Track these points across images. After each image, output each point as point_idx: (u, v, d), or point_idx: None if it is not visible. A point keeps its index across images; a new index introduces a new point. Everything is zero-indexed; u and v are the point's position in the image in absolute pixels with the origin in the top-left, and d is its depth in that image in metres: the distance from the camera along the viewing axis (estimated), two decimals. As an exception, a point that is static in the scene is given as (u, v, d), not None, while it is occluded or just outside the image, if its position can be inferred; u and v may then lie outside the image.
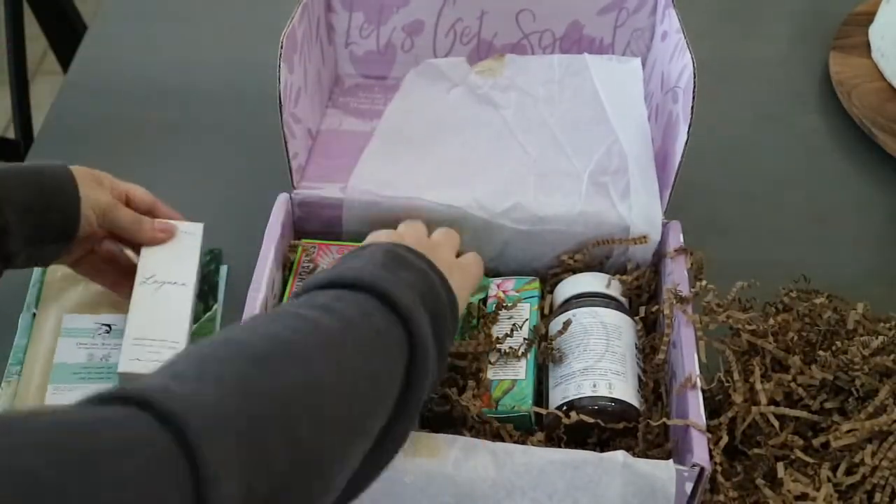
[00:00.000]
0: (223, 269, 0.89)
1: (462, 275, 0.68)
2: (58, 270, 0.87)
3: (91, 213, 0.75)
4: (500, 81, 0.90)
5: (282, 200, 0.79)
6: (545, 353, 0.72)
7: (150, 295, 0.78)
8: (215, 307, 0.85)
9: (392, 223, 0.80)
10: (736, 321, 0.72)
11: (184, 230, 0.82)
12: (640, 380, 0.71)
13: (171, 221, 0.81)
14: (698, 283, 0.74)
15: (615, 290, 0.77)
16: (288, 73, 0.77)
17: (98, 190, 0.76)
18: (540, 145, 0.85)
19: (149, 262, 0.80)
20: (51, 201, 0.73)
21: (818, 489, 0.68)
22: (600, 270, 0.80)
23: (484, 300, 0.78)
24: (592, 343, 0.71)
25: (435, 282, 0.61)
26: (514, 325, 0.74)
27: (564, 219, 0.79)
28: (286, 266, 0.80)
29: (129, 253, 0.82)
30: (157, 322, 0.77)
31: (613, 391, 0.69)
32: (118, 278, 0.81)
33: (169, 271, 0.79)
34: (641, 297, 0.79)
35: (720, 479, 0.68)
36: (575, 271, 0.79)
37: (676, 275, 0.75)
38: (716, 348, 0.71)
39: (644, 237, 0.77)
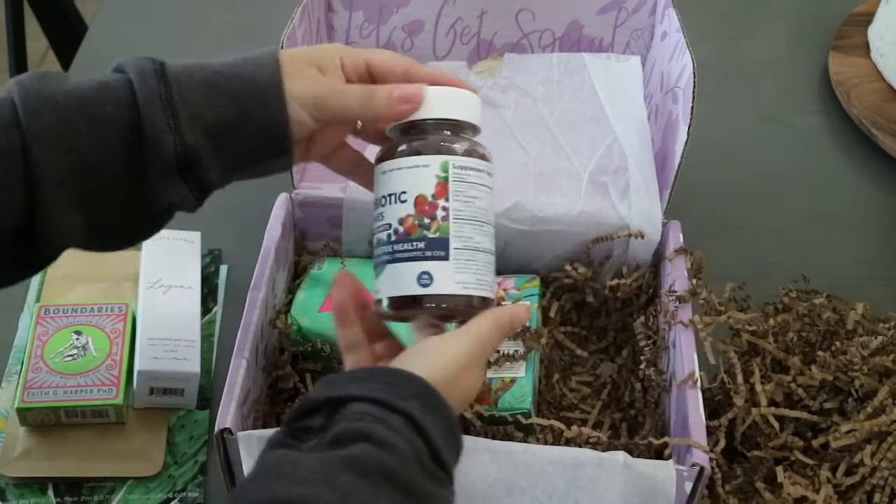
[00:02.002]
0: (223, 270, 0.89)
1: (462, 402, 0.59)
2: (58, 270, 0.87)
3: (301, 112, 0.59)
4: (500, 81, 0.90)
5: (282, 200, 0.79)
6: None
7: (158, 298, 0.81)
8: (215, 309, 0.86)
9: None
10: (736, 321, 0.73)
11: (182, 238, 0.86)
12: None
13: (420, 86, 0.60)
14: (697, 283, 0.74)
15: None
16: (288, 73, 0.77)
17: (310, 79, 0.60)
18: (539, 145, 0.85)
19: (152, 267, 0.83)
20: (244, 112, 0.58)
21: (817, 491, 0.68)
22: (600, 270, 0.80)
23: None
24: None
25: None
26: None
27: (564, 219, 0.79)
28: (297, 269, 0.81)
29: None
30: (168, 322, 0.79)
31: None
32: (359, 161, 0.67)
33: (173, 276, 0.83)
34: (641, 298, 0.79)
35: (719, 489, 0.68)
36: (576, 280, 0.79)
37: (676, 275, 0.75)
38: (716, 349, 0.71)
39: (641, 232, 0.77)
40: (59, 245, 0.58)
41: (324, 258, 0.81)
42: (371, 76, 0.62)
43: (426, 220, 0.59)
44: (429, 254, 0.58)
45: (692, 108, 0.74)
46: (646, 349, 0.75)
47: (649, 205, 0.79)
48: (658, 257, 0.79)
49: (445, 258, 0.59)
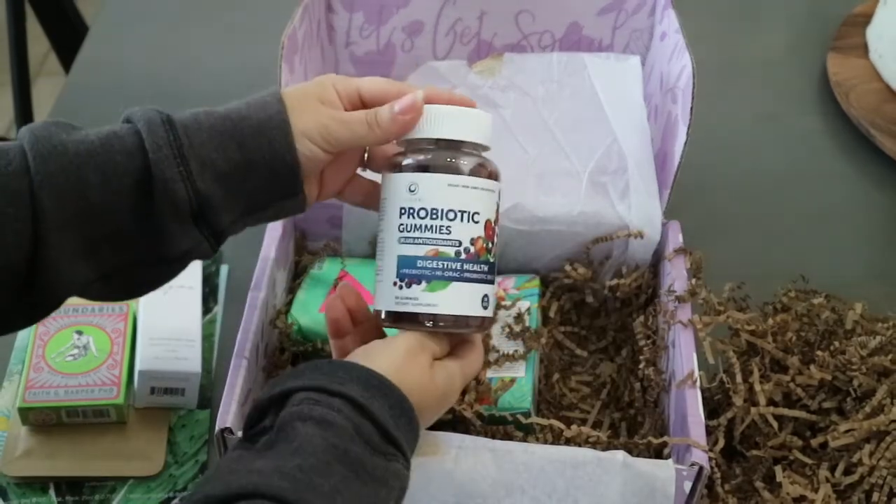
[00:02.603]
0: (223, 269, 0.89)
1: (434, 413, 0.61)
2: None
3: (310, 146, 0.60)
4: (499, 81, 0.90)
5: (282, 201, 0.80)
6: None
7: (159, 298, 0.80)
8: (215, 309, 0.86)
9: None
10: (735, 321, 0.73)
11: None
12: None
13: (415, 94, 0.61)
14: (696, 283, 0.74)
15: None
16: (289, 73, 0.78)
17: (314, 112, 0.61)
18: (539, 145, 0.86)
19: None
20: (254, 155, 0.59)
21: (816, 490, 0.68)
22: (600, 270, 0.81)
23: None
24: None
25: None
26: (518, 313, 0.75)
27: (564, 219, 0.79)
28: (297, 268, 0.81)
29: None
30: (170, 322, 0.79)
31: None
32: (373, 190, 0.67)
33: None
34: (640, 298, 0.80)
35: (718, 488, 0.68)
36: (576, 281, 0.79)
37: (675, 275, 0.75)
38: (715, 349, 0.72)
39: (640, 232, 0.77)
40: (62, 292, 0.58)
41: (324, 258, 0.81)
42: (363, 103, 0.63)
43: (490, 245, 0.60)
44: (489, 278, 0.61)
45: (691, 108, 0.74)
46: (645, 349, 0.75)
47: (649, 205, 0.79)
48: (657, 257, 0.79)
49: (493, 283, 0.61)
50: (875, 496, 0.67)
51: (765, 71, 1.11)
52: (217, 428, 0.63)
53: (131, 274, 0.60)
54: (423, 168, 0.60)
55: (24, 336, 0.83)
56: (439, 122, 0.60)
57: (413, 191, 0.59)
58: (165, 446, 0.77)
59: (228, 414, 0.64)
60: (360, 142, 0.62)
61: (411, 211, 0.59)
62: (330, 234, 0.82)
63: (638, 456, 0.65)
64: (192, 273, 0.84)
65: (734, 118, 1.04)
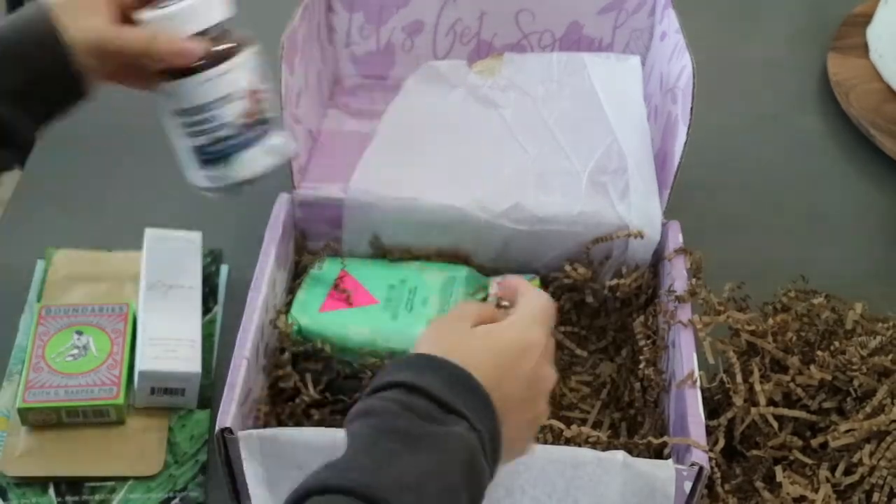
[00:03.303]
0: (224, 269, 0.89)
1: (516, 453, 0.57)
2: (59, 270, 0.87)
3: (88, 61, 0.63)
4: (499, 81, 0.90)
5: (283, 200, 0.80)
6: None
7: (159, 298, 0.81)
8: (215, 309, 0.86)
9: (392, 223, 0.80)
10: (735, 321, 0.73)
11: (183, 238, 0.86)
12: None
13: (198, 45, 0.67)
14: (696, 283, 0.74)
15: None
16: (288, 74, 0.78)
17: (85, 22, 0.64)
18: (539, 145, 0.86)
19: (153, 267, 0.83)
20: (38, 72, 0.63)
21: (816, 490, 0.68)
22: (600, 270, 0.81)
23: (484, 300, 0.78)
24: None
25: (486, 485, 0.52)
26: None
27: (564, 219, 0.79)
28: (297, 268, 0.81)
29: None
30: (170, 322, 0.79)
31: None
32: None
33: (174, 276, 0.83)
34: (640, 298, 0.80)
35: (718, 489, 0.68)
36: (575, 281, 0.79)
37: (675, 275, 0.75)
38: (715, 349, 0.72)
39: (640, 232, 0.77)
40: None
41: (324, 258, 0.81)
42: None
43: (260, 107, 0.69)
44: (270, 128, 0.70)
45: (691, 108, 0.74)
46: (645, 349, 0.75)
47: (649, 205, 0.79)
48: (657, 257, 0.79)
49: (277, 127, 0.71)
50: (875, 496, 0.67)
51: (765, 71, 1.11)
52: (217, 428, 0.63)
53: None
54: (173, 75, 0.67)
55: (23, 336, 0.83)
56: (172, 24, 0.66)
57: (172, 95, 0.68)
58: (165, 446, 0.77)
59: (228, 414, 0.64)
60: (132, 60, 0.65)
61: (181, 111, 0.68)
62: (330, 234, 0.82)
63: (638, 456, 0.65)
64: (192, 273, 0.84)
65: (734, 118, 1.04)
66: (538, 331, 0.57)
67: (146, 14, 0.66)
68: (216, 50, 0.68)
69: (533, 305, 0.59)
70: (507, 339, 0.57)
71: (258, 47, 0.70)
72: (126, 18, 0.66)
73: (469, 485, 0.50)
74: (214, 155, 0.69)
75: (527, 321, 0.58)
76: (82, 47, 0.62)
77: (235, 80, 0.68)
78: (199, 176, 0.70)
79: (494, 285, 0.79)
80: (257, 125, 0.69)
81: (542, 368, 0.57)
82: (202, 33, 0.67)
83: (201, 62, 0.67)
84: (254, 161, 0.69)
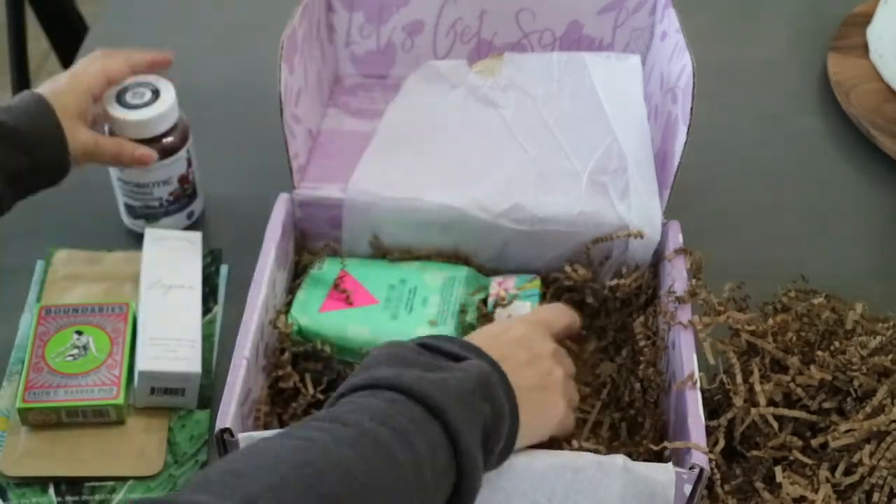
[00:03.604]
0: (223, 269, 0.89)
1: (538, 411, 0.64)
2: (59, 270, 0.87)
3: (73, 160, 0.81)
4: (499, 81, 0.90)
5: (282, 200, 0.80)
6: None
7: (159, 298, 0.81)
8: (215, 309, 0.86)
9: (392, 223, 0.80)
10: (735, 321, 0.73)
11: (183, 238, 0.87)
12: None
13: (146, 150, 0.84)
14: (696, 283, 0.74)
15: None
16: (288, 73, 0.78)
17: (81, 136, 0.80)
18: (539, 145, 0.86)
19: (153, 268, 0.83)
20: (39, 161, 0.78)
21: (816, 491, 0.68)
22: (600, 270, 0.80)
23: (484, 300, 0.78)
24: None
25: (505, 419, 0.59)
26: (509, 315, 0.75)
27: (564, 219, 0.79)
28: (297, 268, 0.81)
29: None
30: (169, 322, 0.80)
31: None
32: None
33: (174, 276, 0.83)
34: (640, 298, 0.80)
35: (718, 489, 0.68)
36: (575, 282, 0.79)
37: (675, 275, 0.75)
38: (715, 349, 0.72)
39: (640, 232, 0.77)
40: None
41: (324, 258, 0.81)
42: (110, 84, 0.84)
43: (187, 188, 0.90)
44: (192, 199, 0.92)
45: (691, 108, 0.74)
46: (645, 349, 0.75)
47: (649, 205, 0.79)
48: (657, 257, 0.79)
49: (195, 197, 0.92)
50: (875, 496, 0.67)
51: (765, 71, 1.11)
52: (217, 428, 0.63)
53: None
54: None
55: (23, 336, 0.83)
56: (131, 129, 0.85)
57: (122, 170, 0.87)
58: (165, 446, 0.77)
59: (228, 414, 0.64)
60: (105, 163, 0.85)
61: (127, 181, 0.87)
62: (330, 234, 0.82)
63: (638, 458, 0.65)
64: (192, 273, 0.84)
65: (734, 118, 1.04)
66: (521, 319, 0.69)
67: (115, 111, 0.83)
68: (164, 145, 0.85)
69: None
70: (500, 322, 0.70)
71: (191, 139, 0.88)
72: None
73: (485, 396, 0.58)
74: (143, 214, 0.89)
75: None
76: (75, 152, 0.80)
77: (174, 169, 0.87)
78: (127, 220, 0.90)
79: (495, 285, 0.79)
80: (183, 199, 0.89)
81: (531, 335, 0.66)
82: (160, 136, 0.85)
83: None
84: (172, 223, 0.89)
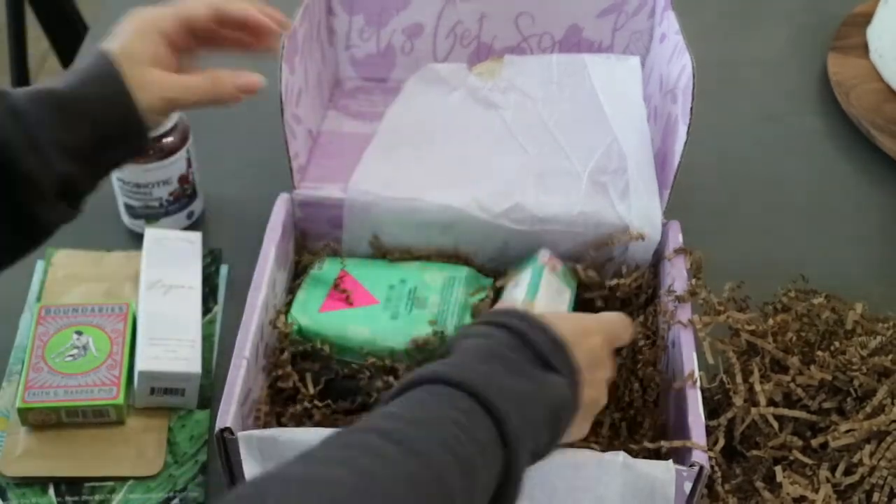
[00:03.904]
0: (223, 269, 0.89)
1: (577, 430, 0.63)
2: (59, 270, 0.87)
3: (155, 116, 0.67)
4: (500, 83, 0.90)
5: (282, 200, 0.80)
6: None
7: (158, 298, 0.81)
8: (215, 309, 0.86)
9: (392, 223, 0.80)
10: (735, 321, 0.73)
11: (183, 238, 0.87)
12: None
13: (257, 76, 0.71)
14: (696, 283, 0.74)
15: None
16: (289, 74, 0.78)
17: (156, 85, 0.66)
18: (539, 145, 0.86)
19: (153, 268, 0.83)
20: (105, 132, 0.65)
21: (816, 490, 0.68)
22: (601, 271, 0.80)
23: (483, 300, 0.78)
24: None
25: (555, 444, 0.58)
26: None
27: (564, 219, 0.79)
28: (297, 268, 0.81)
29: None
30: (169, 322, 0.79)
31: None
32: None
33: (174, 276, 0.83)
34: (640, 298, 0.80)
35: (718, 488, 0.68)
36: (583, 283, 0.79)
37: (675, 275, 0.75)
38: (715, 349, 0.72)
39: (641, 234, 0.77)
40: None
41: (324, 258, 0.81)
42: (189, 29, 0.70)
43: (186, 188, 0.89)
44: (191, 200, 0.91)
45: (691, 108, 0.74)
46: (645, 349, 0.75)
47: (649, 205, 0.79)
48: (658, 257, 0.79)
49: (195, 197, 0.92)
50: (875, 496, 0.67)
51: (765, 71, 1.11)
52: (217, 428, 0.63)
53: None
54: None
55: (23, 336, 0.83)
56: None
57: (122, 170, 0.84)
58: (165, 446, 0.77)
59: (228, 414, 0.64)
60: (200, 106, 0.71)
61: (126, 182, 0.87)
62: (330, 234, 0.82)
63: (638, 456, 0.65)
64: (192, 273, 0.84)
65: (734, 118, 1.05)
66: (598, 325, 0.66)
67: None
68: (164, 145, 0.84)
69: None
70: (582, 320, 0.66)
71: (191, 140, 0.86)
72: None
73: (551, 430, 0.57)
74: (143, 214, 0.89)
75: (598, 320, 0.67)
76: (152, 107, 0.66)
77: (174, 169, 0.86)
78: (127, 219, 0.90)
79: (545, 255, 0.77)
80: (183, 199, 0.89)
81: (602, 352, 0.64)
82: (159, 136, 0.83)
83: (151, 153, 0.84)
84: (172, 223, 0.89)
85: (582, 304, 0.81)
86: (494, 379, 0.55)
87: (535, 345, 0.58)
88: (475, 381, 0.54)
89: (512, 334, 0.59)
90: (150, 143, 0.70)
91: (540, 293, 0.73)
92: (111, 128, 0.65)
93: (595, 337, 0.63)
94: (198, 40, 0.71)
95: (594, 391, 0.62)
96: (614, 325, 0.67)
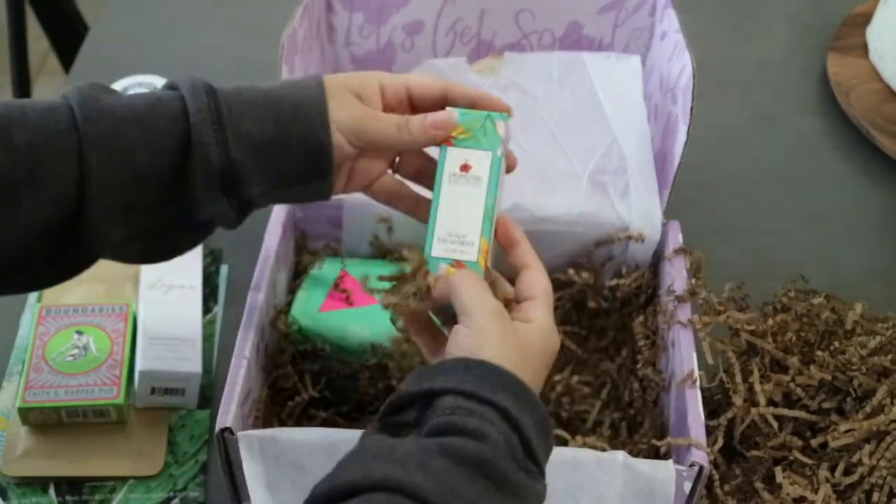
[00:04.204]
0: (224, 269, 0.89)
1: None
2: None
3: (340, 137, 0.62)
4: (499, 81, 0.90)
5: (282, 201, 0.80)
6: None
7: (159, 298, 0.81)
8: (216, 309, 0.86)
9: (392, 223, 0.80)
10: (735, 321, 0.73)
11: None
12: None
13: (452, 112, 0.64)
14: (696, 283, 0.74)
15: None
16: (289, 73, 0.78)
17: (350, 105, 0.62)
18: (539, 145, 0.86)
19: (153, 268, 0.83)
20: (289, 131, 0.61)
21: (816, 491, 0.68)
22: (601, 271, 0.81)
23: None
24: None
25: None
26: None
27: (564, 219, 0.79)
28: (297, 268, 0.81)
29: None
30: (170, 322, 0.79)
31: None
32: (418, 200, 0.68)
33: (175, 276, 0.83)
34: (640, 298, 0.80)
35: (717, 490, 0.68)
36: (576, 284, 0.79)
37: (675, 275, 0.75)
38: (715, 349, 0.72)
39: (641, 234, 0.77)
40: (97, 250, 0.60)
41: (324, 258, 0.81)
42: (411, 101, 0.65)
43: None
44: None
45: (691, 108, 0.74)
46: (644, 349, 0.75)
47: (649, 205, 0.79)
48: (657, 257, 0.79)
49: None
50: (875, 496, 0.67)
51: (765, 71, 1.11)
52: (217, 428, 0.63)
53: (160, 237, 0.62)
54: None
55: (24, 336, 0.83)
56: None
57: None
58: (165, 446, 0.77)
59: (228, 414, 0.64)
60: (389, 143, 0.64)
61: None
62: (330, 234, 0.82)
63: (638, 456, 0.65)
64: (193, 273, 0.84)
65: (734, 118, 1.04)
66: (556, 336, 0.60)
67: None
68: None
69: (549, 303, 0.61)
70: (551, 353, 0.59)
71: None
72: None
73: None
74: None
75: (553, 329, 0.60)
76: (341, 124, 0.62)
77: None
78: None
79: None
80: None
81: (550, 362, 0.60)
82: None
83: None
84: None
85: (575, 304, 0.81)
86: None
87: (522, 432, 0.52)
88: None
89: (504, 420, 0.52)
90: (330, 187, 0.63)
91: (498, 193, 0.65)
92: (296, 128, 0.61)
93: (551, 351, 0.59)
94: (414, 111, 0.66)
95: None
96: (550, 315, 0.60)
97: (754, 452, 0.70)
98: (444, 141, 0.63)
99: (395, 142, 0.64)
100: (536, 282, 0.61)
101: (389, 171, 0.68)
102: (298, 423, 0.72)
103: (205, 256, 0.88)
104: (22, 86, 1.42)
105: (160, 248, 0.63)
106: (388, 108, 0.64)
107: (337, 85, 0.63)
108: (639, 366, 0.74)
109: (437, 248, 0.62)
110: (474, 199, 0.63)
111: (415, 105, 0.65)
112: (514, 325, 0.58)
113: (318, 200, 0.65)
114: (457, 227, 0.62)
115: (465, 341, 0.56)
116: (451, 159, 0.63)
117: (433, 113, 0.64)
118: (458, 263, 0.61)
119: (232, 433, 0.63)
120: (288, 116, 0.61)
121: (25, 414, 0.76)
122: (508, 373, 0.54)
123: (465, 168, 0.63)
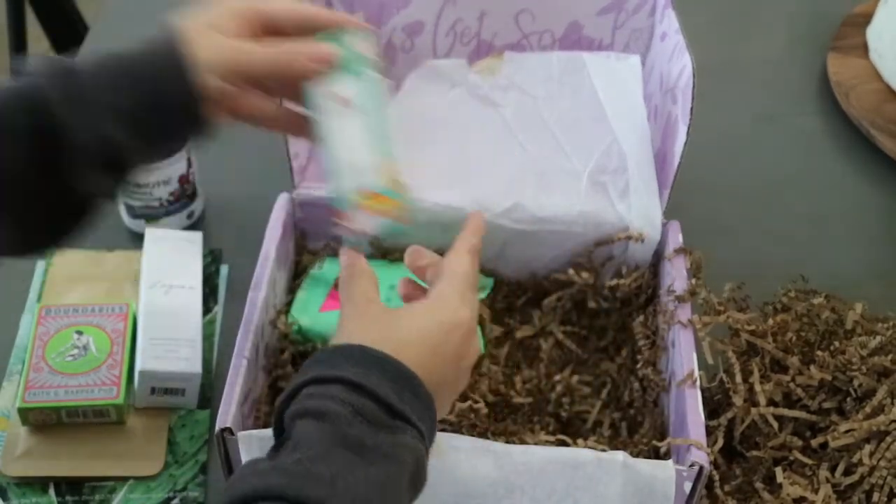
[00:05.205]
0: (224, 269, 0.89)
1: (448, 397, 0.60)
2: (59, 270, 0.87)
3: (215, 79, 0.59)
4: (500, 81, 0.90)
5: (283, 200, 0.80)
6: None
7: (159, 298, 0.81)
8: (216, 309, 0.86)
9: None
10: (735, 321, 0.73)
11: (183, 238, 0.87)
12: None
13: (333, 47, 0.62)
14: (696, 283, 0.74)
15: None
16: (288, 73, 0.78)
17: (217, 45, 0.60)
18: (539, 145, 0.86)
19: (153, 268, 0.83)
20: (154, 93, 0.59)
21: (816, 491, 0.68)
22: (601, 271, 0.81)
23: (482, 298, 0.78)
24: None
25: (423, 483, 0.54)
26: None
27: (564, 219, 0.79)
28: (297, 268, 0.81)
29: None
30: (170, 322, 0.79)
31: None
32: (293, 119, 0.66)
33: (175, 276, 0.83)
34: (640, 298, 0.80)
35: (717, 490, 0.68)
36: (576, 284, 0.79)
37: (675, 275, 0.75)
38: (715, 349, 0.72)
39: (641, 235, 0.77)
40: None
41: (324, 258, 0.81)
42: (273, 27, 0.63)
43: (187, 188, 0.90)
44: (191, 200, 0.92)
45: (691, 108, 0.74)
46: (644, 349, 0.75)
47: (649, 205, 0.79)
48: (657, 257, 0.79)
49: (194, 198, 0.92)
50: (875, 496, 0.67)
51: (765, 71, 1.11)
52: (217, 428, 0.63)
53: (36, 229, 0.60)
54: None
55: (24, 336, 0.83)
56: None
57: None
58: (165, 446, 0.77)
59: (228, 414, 0.64)
60: (265, 75, 0.62)
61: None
62: (330, 234, 0.82)
63: (638, 456, 0.65)
64: (193, 273, 0.84)
65: (734, 118, 1.04)
66: (465, 309, 0.59)
67: None
68: None
69: (458, 279, 0.61)
70: (437, 323, 0.58)
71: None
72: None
73: (413, 491, 0.53)
74: (143, 214, 0.88)
75: (455, 299, 0.59)
76: (211, 66, 0.59)
77: (174, 169, 0.87)
78: (127, 219, 0.90)
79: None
80: (183, 199, 0.89)
81: (468, 345, 0.59)
82: None
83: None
84: (172, 223, 0.89)
85: (576, 304, 0.81)
86: (338, 485, 0.49)
87: (375, 394, 0.52)
88: (319, 497, 0.48)
89: (346, 388, 0.52)
90: (214, 126, 0.61)
91: (382, 109, 0.64)
92: (162, 87, 0.59)
93: (455, 332, 0.58)
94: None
95: (463, 380, 0.60)
96: (473, 289, 0.61)
97: (754, 452, 0.70)
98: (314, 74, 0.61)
99: (272, 75, 0.62)
100: (448, 262, 0.62)
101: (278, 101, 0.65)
102: (298, 424, 0.72)
103: (205, 256, 0.88)
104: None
105: (40, 238, 0.61)
106: (243, 34, 0.62)
107: (197, 25, 0.61)
108: (639, 366, 0.74)
109: (343, 184, 0.61)
110: (359, 125, 0.62)
111: (276, 31, 0.63)
112: (380, 307, 0.59)
113: (201, 142, 0.63)
114: (352, 157, 0.62)
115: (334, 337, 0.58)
116: (323, 94, 0.62)
117: (313, 45, 0.62)
118: (368, 193, 0.61)
119: (232, 433, 0.63)
120: (151, 79, 0.59)
121: (25, 414, 0.76)
122: (352, 346, 0.55)
123: (339, 99, 0.62)
